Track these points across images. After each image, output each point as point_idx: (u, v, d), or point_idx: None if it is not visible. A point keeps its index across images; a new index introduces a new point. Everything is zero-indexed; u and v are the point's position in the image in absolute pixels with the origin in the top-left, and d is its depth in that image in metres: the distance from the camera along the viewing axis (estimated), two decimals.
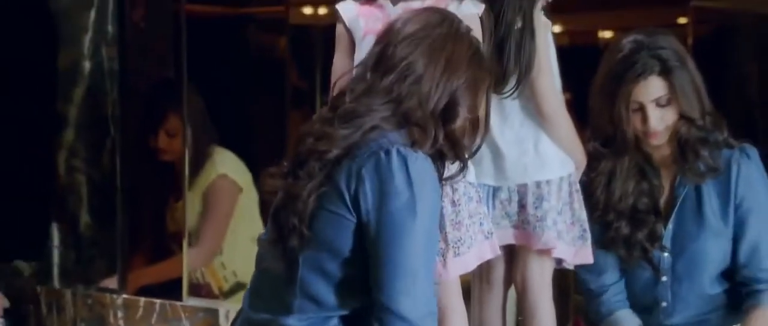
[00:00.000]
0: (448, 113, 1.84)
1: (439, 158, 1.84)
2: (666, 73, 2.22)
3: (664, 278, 2.32)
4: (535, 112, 2.22)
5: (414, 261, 1.75)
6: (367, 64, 1.87)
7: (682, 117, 2.26)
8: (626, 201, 2.30)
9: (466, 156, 1.90)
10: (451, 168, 1.89)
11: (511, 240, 2.25)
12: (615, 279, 2.35)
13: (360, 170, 1.76)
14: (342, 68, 2.05)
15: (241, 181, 3.31)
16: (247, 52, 3.81)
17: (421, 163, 1.77)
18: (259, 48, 3.88)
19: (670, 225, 2.31)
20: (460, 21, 1.92)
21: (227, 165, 3.30)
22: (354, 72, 1.90)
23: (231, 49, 3.67)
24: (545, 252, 2.23)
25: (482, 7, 2.10)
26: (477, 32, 2.05)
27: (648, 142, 2.28)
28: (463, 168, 1.90)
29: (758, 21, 2.85)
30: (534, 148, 2.23)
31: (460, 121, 1.86)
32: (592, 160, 2.28)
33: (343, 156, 1.78)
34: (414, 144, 1.81)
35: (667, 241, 2.32)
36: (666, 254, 2.32)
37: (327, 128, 1.81)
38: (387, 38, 1.87)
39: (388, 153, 1.76)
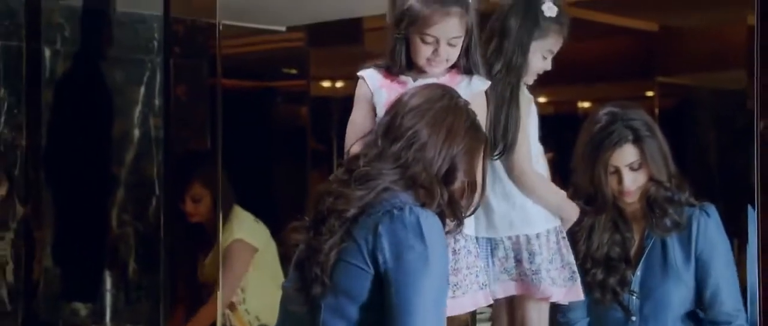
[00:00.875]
0: (448, 176, 1.85)
1: (440, 217, 1.84)
2: (638, 141, 2.27)
3: (633, 318, 2.33)
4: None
5: (426, 312, 1.74)
6: (378, 132, 1.88)
7: (652, 179, 2.29)
8: (601, 250, 2.33)
9: (463, 215, 1.90)
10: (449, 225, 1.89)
11: (513, 292, 2.23)
12: (582, 316, 2.37)
13: (377, 226, 1.76)
14: (360, 124, 2.05)
15: (257, 242, 3.28)
16: (274, 119, 3.84)
17: (431, 219, 1.78)
18: (284, 116, 3.90)
19: (638, 272, 2.34)
20: (458, 95, 1.94)
21: (243, 229, 3.27)
22: (367, 138, 1.91)
23: (260, 117, 3.72)
24: (542, 298, 2.22)
25: (488, 83, 2.11)
26: (483, 104, 2.08)
27: (623, 200, 2.31)
28: (459, 225, 1.90)
29: (715, 95, 2.88)
30: (521, 204, 2.21)
31: (458, 183, 1.87)
32: None
33: (360, 214, 1.79)
34: (423, 204, 1.81)
35: (635, 286, 2.34)
36: (634, 297, 2.33)
37: (344, 189, 1.81)
38: (395, 109, 1.89)
39: (402, 210, 1.76)
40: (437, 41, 2.04)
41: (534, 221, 2.21)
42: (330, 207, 1.80)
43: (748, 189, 2.44)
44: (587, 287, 2.31)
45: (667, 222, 2.29)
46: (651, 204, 2.30)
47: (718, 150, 2.80)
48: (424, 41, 2.05)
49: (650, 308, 2.32)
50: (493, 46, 2.19)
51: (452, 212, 1.87)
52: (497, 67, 2.18)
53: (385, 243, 1.75)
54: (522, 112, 2.19)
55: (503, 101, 2.17)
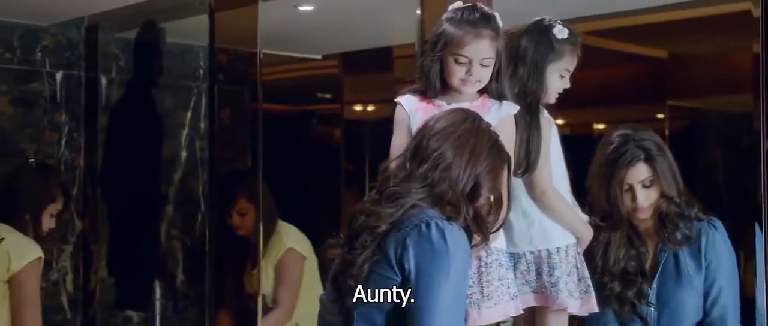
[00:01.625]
0: (473, 194, 1.86)
1: (467, 231, 1.85)
2: (649, 160, 2.27)
3: None
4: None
5: (442, 317, 1.75)
6: (406, 155, 1.88)
7: (663, 195, 2.28)
8: (618, 265, 2.32)
9: (489, 230, 1.90)
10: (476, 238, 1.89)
11: (532, 303, 2.22)
12: None
13: (405, 239, 1.78)
14: (401, 147, 2.02)
15: (304, 251, 3.25)
16: (310, 141, 3.85)
17: (456, 233, 1.79)
18: (319, 138, 3.91)
19: (654, 285, 2.33)
20: (480, 118, 1.94)
21: (293, 239, 3.24)
22: (397, 161, 1.91)
23: (297, 139, 3.73)
24: (559, 309, 2.21)
25: (517, 107, 2.10)
26: (512, 126, 2.09)
27: (636, 216, 2.31)
28: (485, 239, 1.90)
29: (722, 117, 2.86)
30: (539, 221, 2.20)
31: (483, 200, 1.88)
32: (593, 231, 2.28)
33: (390, 229, 1.80)
34: (449, 219, 1.82)
35: (652, 298, 2.33)
36: (652, 309, 2.32)
37: (375, 207, 1.83)
38: (421, 133, 1.89)
39: (428, 225, 1.78)
40: (470, 62, 2.04)
41: (552, 237, 2.20)
42: (362, 224, 1.81)
43: (755, 208, 2.43)
44: (606, 300, 2.30)
45: (678, 235, 2.29)
46: (663, 219, 2.29)
47: (726, 169, 2.78)
48: (457, 62, 2.05)
49: (666, 318, 2.32)
50: (510, 72, 2.17)
51: (478, 227, 1.87)
52: (514, 91, 2.16)
53: (411, 254, 1.77)
54: (543, 133, 2.18)
55: (524, 123, 2.15)
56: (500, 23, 2.08)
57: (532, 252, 2.20)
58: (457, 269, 1.77)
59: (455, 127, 1.87)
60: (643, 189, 2.27)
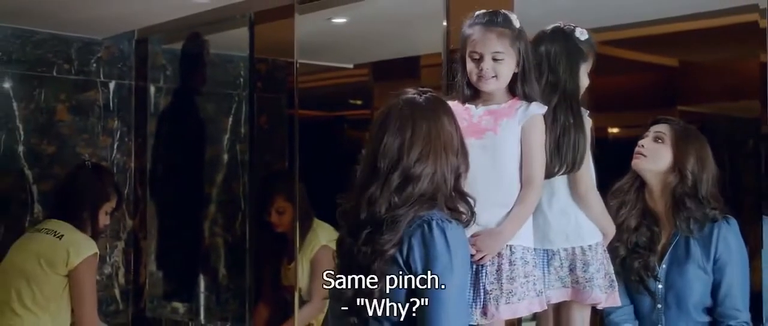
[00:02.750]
0: (457, 180, 1.84)
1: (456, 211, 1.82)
2: (670, 124, 2.35)
3: (659, 305, 2.35)
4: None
5: (450, 311, 1.75)
6: (393, 183, 1.79)
7: (676, 170, 2.30)
8: (628, 232, 2.34)
9: (472, 202, 1.84)
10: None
11: (565, 298, 2.18)
12: (625, 303, 2.36)
13: (410, 238, 1.78)
14: None
15: None
16: (342, 144, 3.86)
17: (455, 231, 1.79)
18: (350, 141, 3.93)
19: (663, 265, 2.35)
20: (407, 100, 1.84)
21: (326, 236, 3.20)
22: (381, 193, 1.80)
23: (330, 143, 3.76)
24: (592, 303, 2.18)
25: (545, 108, 2.06)
26: (541, 127, 2.04)
27: (638, 162, 2.34)
28: (473, 214, 1.85)
29: (730, 122, 2.85)
30: (575, 218, 2.17)
31: (464, 177, 1.85)
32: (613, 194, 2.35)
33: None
34: (450, 215, 1.80)
35: (661, 276, 2.34)
36: (660, 286, 2.34)
37: (377, 237, 1.77)
38: (399, 162, 1.79)
39: (430, 225, 1.77)
40: (481, 57, 2.03)
41: (585, 234, 2.18)
42: (371, 252, 1.79)
43: (760, 205, 2.42)
44: (611, 259, 2.26)
45: (685, 215, 2.29)
46: (675, 199, 2.30)
47: (732, 169, 2.77)
48: (471, 58, 2.04)
49: (673, 297, 2.34)
50: (545, 78, 2.14)
51: (463, 202, 1.83)
52: (554, 97, 2.12)
53: (417, 254, 1.77)
54: (587, 133, 2.14)
55: (568, 124, 2.11)
56: (516, 24, 2.06)
57: (565, 249, 2.16)
58: (459, 265, 1.77)
59: (420, 135, 1.78)
60: (653, 142, 2.31)
